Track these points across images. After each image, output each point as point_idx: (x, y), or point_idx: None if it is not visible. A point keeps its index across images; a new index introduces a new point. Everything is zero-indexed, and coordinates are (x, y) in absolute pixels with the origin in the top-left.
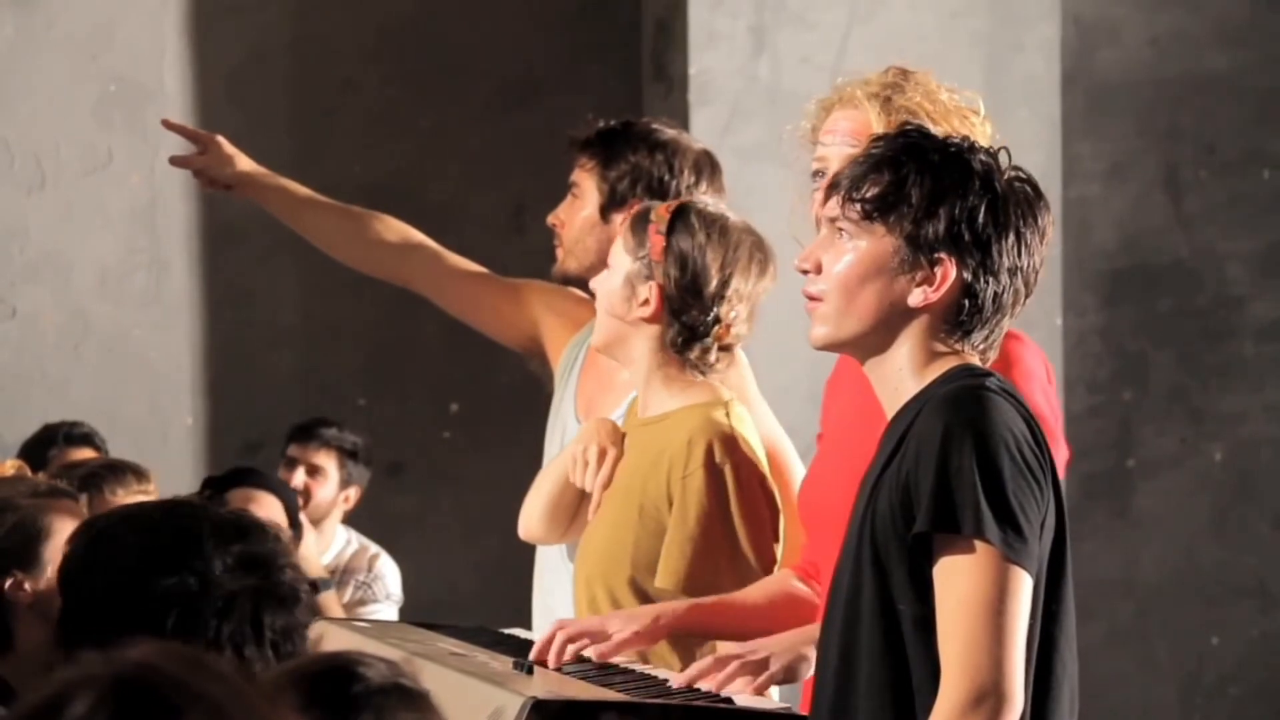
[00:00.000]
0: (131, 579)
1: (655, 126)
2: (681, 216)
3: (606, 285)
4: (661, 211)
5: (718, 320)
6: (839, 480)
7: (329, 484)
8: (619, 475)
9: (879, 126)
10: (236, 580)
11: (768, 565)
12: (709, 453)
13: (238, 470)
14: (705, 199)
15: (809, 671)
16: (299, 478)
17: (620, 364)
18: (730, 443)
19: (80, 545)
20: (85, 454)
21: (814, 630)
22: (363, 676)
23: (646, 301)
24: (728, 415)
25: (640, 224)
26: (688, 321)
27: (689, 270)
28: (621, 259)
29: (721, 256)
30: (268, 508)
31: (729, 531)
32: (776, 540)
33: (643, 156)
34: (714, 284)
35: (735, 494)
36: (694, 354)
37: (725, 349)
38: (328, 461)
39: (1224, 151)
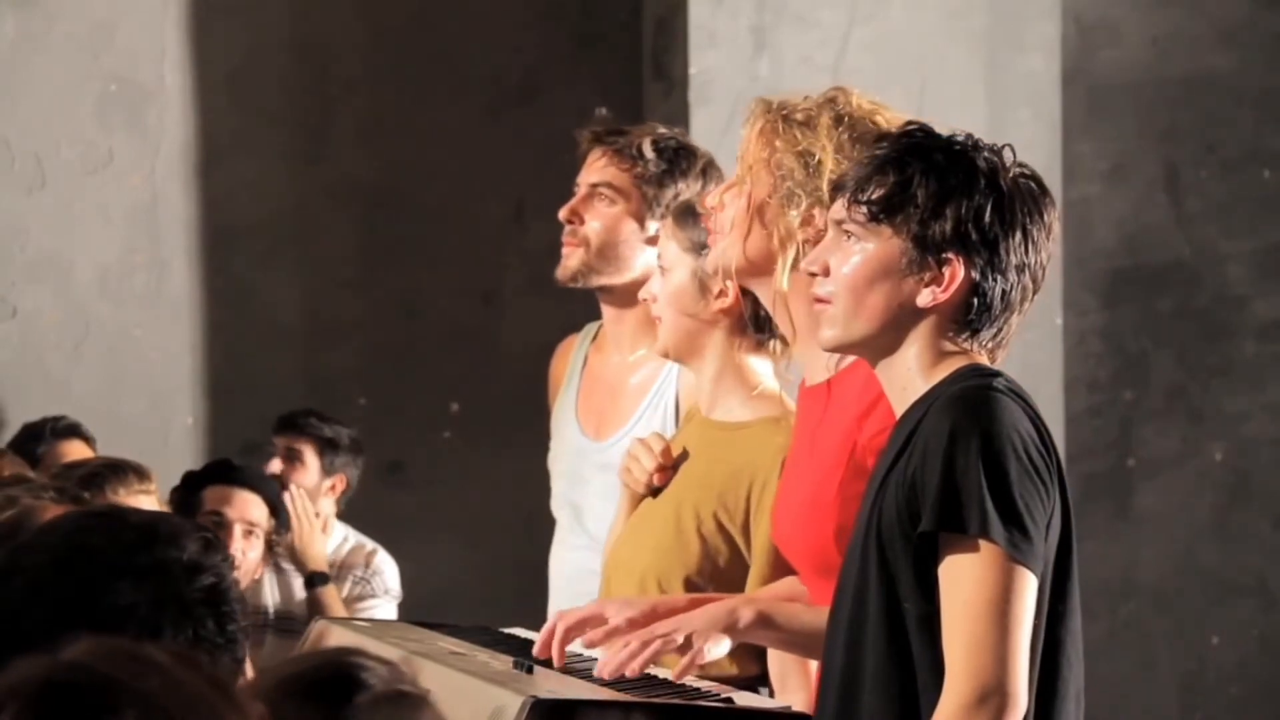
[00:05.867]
0: (26, 596)
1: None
2: None
3: (671, 287)
4: (707, 205)
5: None
6: (789, 506)
7: (309, 472)
8: (684, 473)
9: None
10: (132, 595)
11: None
12: None
13: (214, 466)
14: None
15: (728, 648)
16: (275, 465)
17: (687, 365)
18: None
19: None
20: (74, 446)
21: (733, 603)
22: (364, 682)
23: (722, 293)
24: None
25: (687, 218)
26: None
27: None
28: (679, 258)
29: None
30: (243, 504)
31: None
32: None
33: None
34: None
35: None
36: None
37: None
38: (306, 449)
39: (1224, 151)
